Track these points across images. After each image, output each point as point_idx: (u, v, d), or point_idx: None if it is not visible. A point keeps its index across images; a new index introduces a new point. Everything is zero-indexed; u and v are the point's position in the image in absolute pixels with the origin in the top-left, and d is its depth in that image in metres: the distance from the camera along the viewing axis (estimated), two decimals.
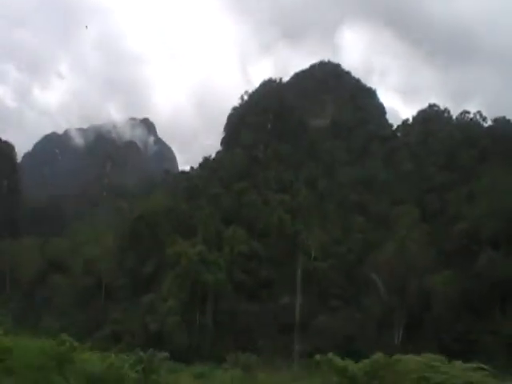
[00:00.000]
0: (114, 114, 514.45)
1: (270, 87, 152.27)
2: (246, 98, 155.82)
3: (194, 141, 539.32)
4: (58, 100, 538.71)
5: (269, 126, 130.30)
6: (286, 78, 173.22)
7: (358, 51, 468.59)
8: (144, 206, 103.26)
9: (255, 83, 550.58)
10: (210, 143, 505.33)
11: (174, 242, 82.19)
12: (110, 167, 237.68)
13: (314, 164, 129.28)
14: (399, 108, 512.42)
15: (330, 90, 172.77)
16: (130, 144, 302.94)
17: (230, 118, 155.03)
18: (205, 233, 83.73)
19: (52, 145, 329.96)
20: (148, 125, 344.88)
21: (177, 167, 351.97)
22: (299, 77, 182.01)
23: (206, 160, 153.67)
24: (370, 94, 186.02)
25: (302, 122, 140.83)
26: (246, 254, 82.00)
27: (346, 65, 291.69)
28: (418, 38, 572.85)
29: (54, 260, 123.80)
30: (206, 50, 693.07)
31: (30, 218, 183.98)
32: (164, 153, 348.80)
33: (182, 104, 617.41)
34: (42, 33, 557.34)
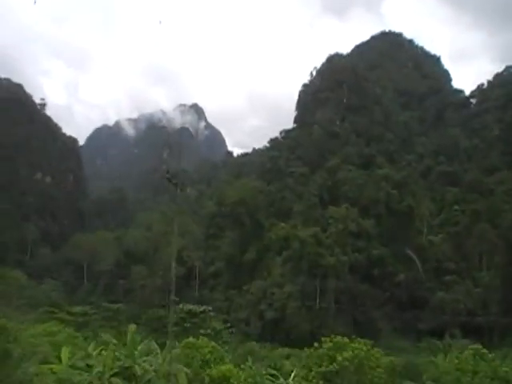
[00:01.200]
0: (163, 102, 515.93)
1: (337, 61, 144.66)
2: (314, 73, 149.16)
3: (240, 123, 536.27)
4: (106, 93, 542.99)
5: (344, 100, 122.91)
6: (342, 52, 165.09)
7: (405, 19, 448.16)
8: (233, 191, 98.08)
9: (300, 61, 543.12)
10: (257, 124, 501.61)
11: (273, 225, 77.14)
12: (167, 154, 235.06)
13: (392, 136, 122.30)
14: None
15: (394, 60, 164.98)
16: (183, 130, 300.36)
17: (301, 95, 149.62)
18: (306, 214, 77.82)
19: (103, 137, 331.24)
20: (197, 110, 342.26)
21: (226, 150, 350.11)
22: (360, 49, 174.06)
23: (273, 140, 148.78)
24: (435, 61, 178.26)
25: (375, 94, 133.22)
26: (354, 232, 75.71)
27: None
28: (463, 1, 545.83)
29: (132, 251, 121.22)
30: (247, 30, 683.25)
31: (94, 210, 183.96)
32: (214, 137, 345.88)
33: (227, 87, 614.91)
34: (85, 28, 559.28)
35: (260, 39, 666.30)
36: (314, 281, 66.04)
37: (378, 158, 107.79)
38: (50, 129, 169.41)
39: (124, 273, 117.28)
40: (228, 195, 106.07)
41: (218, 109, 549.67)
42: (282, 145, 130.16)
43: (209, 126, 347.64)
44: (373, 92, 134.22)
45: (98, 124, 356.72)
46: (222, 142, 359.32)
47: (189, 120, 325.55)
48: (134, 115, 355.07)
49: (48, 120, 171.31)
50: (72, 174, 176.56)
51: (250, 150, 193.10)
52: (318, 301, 64.10)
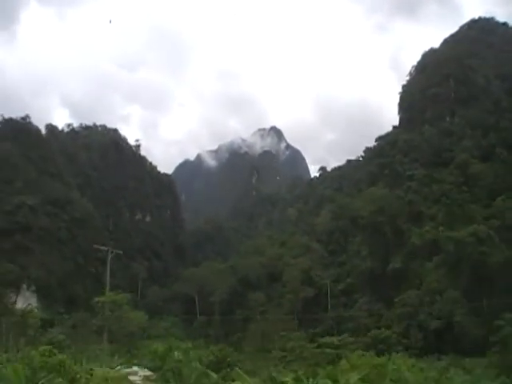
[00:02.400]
0: (240, 129, 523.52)
1: (433, 57, 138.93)
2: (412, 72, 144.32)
3: (316, 139, 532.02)
4: (184, 129, 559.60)
5: (452, 93, 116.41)
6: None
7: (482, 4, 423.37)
8: (362, 201, 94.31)
9: (368, 68, 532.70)
10: (332, 138, 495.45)
11: (410, 230, 72.14)
12: (255, 179, 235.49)
13: (507, 123, 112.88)
14: None
15: (490, 46, 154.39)
16: (265, 154, 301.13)
17: (404, 96, 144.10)
18: (450, 214, 72.05)
19: (186, 171, 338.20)
20: (276, 132, 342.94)
21: (307, 168, 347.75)
22: (450, 42, 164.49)
23: (369, 149, 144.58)
24: None
25: (481, 83, 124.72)
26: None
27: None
28: None
29: (246, 279, 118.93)
30: (312, 43, 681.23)
31: (192, 242, 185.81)
32: (295, 156, 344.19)
33: (297, 105, 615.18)
34: (156, 69, 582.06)
35: (326, 50, 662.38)
36: (478, 283, 59.72)
37: (497, 148, 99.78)
38: (146, 168, 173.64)
39: (239, 302, 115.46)
40: (351, 208, 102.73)
41: (293, 128, 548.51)
42: (389, 150, 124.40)
43: (289, 146, 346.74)
44: (478, 81, 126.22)
45: (179, 160, 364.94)
46: (302, 160, 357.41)
47: (269, 143, 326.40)
48: (214, 146, 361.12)
49: (143, 160, 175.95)
50: (169, 210, 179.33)
51: (327, 165, 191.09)
52: (483, 303, 57.58)
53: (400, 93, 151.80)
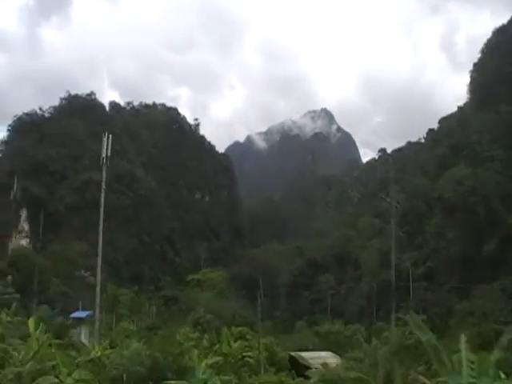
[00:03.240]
0: (290, 111, 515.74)
1: (506, 35, 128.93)
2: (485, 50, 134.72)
3: (363, 121, 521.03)
4: (233, 110, 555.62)
5: None
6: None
7: None
8: (445, 182, 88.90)
9: (420, 51, 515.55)
10: (380, 120, 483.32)
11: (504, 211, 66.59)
12: (310, 160, 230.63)
13: None
14: None
15: None
16: (317, 136, 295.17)
17: (474, 76, 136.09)
18: None
19: (237, 153, 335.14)
20: (327, 114, 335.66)
21: (358, 151, 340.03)
22: (500, 33, 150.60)
23: (432, 130, 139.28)
24: None
25: None
26: None
27: None
28: None
29: (315, 261, 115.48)
30: (362, 24, 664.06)
31: (248, 223, 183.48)
32: (346, 139, 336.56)
33: (346, 87, 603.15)
34: (205, 51, 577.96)
35: (376, 30, 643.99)
36: None
37: None
38: (205, 148, 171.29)
39: (307, 284, 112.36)
40: (426, 189, 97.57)
41: (342, 110, 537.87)
42: (461, 130, 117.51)
43: (339, 128, 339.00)
44: None
45: (228, 142, 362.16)
46: (353, 143, 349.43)
47: (320, 125, 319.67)
48: (263, 128, 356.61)
49: (203, 139, 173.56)
50: (226, 191, 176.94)
51: (376, 149, 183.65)
52: None
53: (471, 71, 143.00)
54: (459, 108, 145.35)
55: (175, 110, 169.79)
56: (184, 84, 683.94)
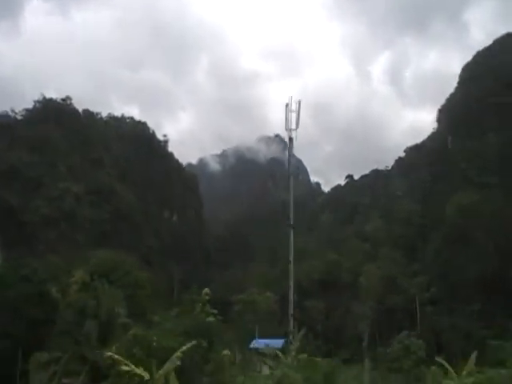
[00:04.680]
0: (242, 135, 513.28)
1: (486, 56, 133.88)
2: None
3: (313, 150, 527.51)
4: (185, 132, 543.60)
5: None
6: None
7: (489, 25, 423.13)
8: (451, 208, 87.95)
9: (373, 82, 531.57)
10: (330, 150, 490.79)
11: None
12: (271, 184, 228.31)
13: None
14: None
15: None
16: (273, 160, 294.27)
17: (447, 106, 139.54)
18: None
19: None
20: (281, 140, 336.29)
21: (309, 178, 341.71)
22: (481, 56, 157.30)
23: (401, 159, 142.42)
24: None
25: None
26: None
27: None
28: None
29: (300, 285, 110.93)
30: (313, 55, 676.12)
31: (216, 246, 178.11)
32: (299, 165, 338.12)
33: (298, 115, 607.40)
34: (156, 70, 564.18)
35: (328, 59, 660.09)
36: None
37: None
38: (173, 165, 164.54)
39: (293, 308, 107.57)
40: (421, 214, 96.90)
41: (295, 137, 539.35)
42: (437, 159, 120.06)
43: (292, 155, 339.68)
44: None
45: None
46: (305, 170, 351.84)
47: (274, 150, 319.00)
48: (217, 151, 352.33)
49: (171, 157, 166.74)
50: (194, 211, 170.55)
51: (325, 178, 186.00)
52: None
53: (447, 99, 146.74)
54: (429, 138, 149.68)
55: (144, 123, 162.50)
56: (135, 102, 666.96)
